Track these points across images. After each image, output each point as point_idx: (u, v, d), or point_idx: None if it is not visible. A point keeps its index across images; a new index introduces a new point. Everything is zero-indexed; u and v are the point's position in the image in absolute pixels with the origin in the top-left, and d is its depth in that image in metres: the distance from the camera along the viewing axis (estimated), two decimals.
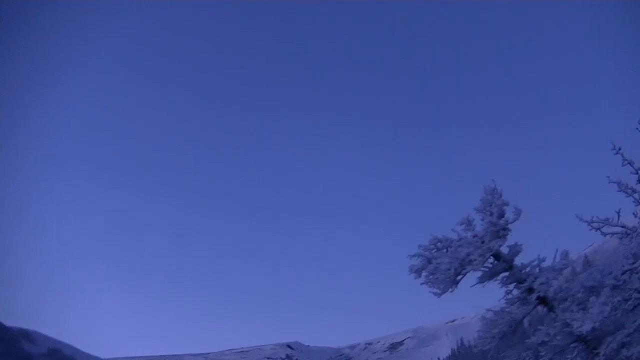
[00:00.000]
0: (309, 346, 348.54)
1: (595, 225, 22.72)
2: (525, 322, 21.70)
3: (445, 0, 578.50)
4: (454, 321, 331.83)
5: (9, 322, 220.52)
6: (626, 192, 23.51)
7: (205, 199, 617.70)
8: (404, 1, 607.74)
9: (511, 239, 20.93)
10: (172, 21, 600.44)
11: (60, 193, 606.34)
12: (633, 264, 20.98)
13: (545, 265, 20.80)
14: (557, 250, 21.13)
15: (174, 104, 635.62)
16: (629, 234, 22.67)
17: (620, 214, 22.56)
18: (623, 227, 22.67)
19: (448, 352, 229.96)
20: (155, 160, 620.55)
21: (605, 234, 22.84)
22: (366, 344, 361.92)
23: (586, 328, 19.24)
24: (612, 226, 22.74)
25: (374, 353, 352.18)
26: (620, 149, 23.80)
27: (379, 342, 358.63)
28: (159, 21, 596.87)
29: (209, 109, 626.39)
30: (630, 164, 23.72)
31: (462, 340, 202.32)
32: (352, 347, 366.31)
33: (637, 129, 23.14)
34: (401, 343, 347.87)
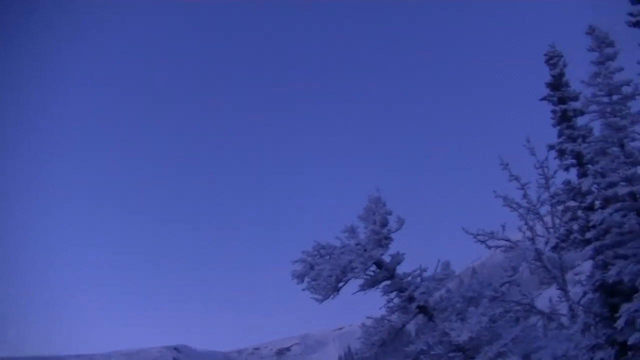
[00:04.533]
0: (195, 349, 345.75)
1: (480, 237, 22.99)
2: (412, 330, 21.74)
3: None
4: (341, 328, 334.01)
5: None
6: (511, 207, 23.82)
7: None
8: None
9: (394, 248, 20.94)
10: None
11: None
12: (511, 276, 21.30)
13: (426, 275, 20.87)
14: (438, 261, 21.26)
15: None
16: (512, 247, 22.98)
17: (505, 228, 22.87)
18: (507, 240, 22.97)
19: (335, 359, 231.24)
20: None
21: (489, 247, 23.13)
22: (253, 348, 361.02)
23: (463, 337, 19.36)
24: (497, 239, 23.03)
25: (261, 358, 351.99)
26: (507, 164, 24.11)
27: (266, 347, 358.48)
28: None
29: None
30: (516, 179, 24.04)
31: (349, 347, 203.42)
32: (240, 352, 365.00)
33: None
34: (288, 349, 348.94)
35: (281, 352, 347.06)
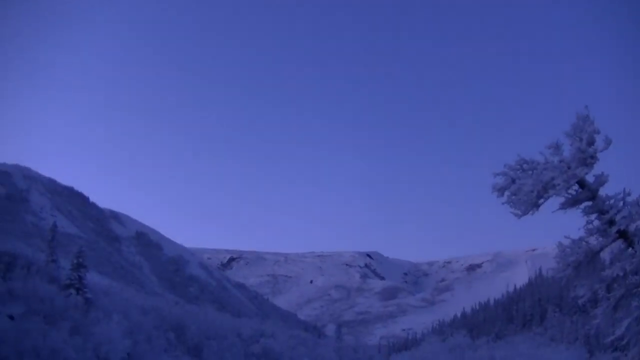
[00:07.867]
0: (387, 257, 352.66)
1: None
2: (607, 256, 21.38)
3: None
4: (534, 249, 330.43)
5: (100, 203, 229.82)
6: None
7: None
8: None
9: (597, 169, 20.50)
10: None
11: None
12: None
13: (630, 199, 20.37)
14: None
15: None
16: None
17: None
18: None
19: (525, 280, 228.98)
20: None
21: None
22: (445, 262, 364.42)
23: None
24: None
25: (452, 272, 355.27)
26: None
27: (457, 262, 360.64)
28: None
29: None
30: None
31: (540, 269, 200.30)
32: (430, 264, 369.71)
33: None
34: (479, 265, 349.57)
35: (472, 267, 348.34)
